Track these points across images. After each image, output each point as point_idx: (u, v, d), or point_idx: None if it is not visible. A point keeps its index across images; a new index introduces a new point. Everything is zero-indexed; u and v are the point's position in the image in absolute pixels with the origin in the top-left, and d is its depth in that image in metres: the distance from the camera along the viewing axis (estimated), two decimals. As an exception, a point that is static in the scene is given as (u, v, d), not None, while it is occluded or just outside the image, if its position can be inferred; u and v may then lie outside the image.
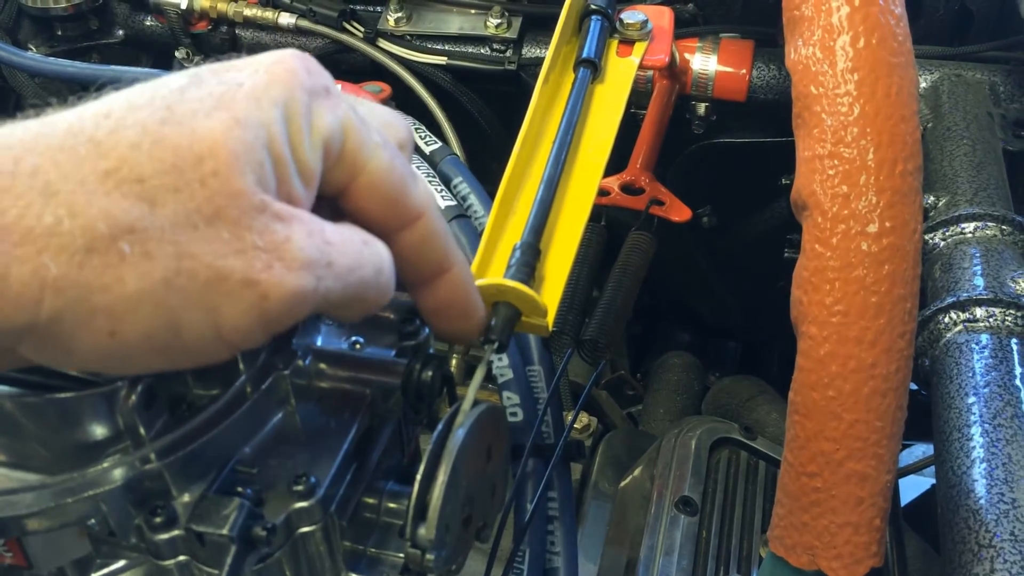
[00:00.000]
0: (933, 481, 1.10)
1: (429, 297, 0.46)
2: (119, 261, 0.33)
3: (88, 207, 0.33)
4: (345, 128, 0.40)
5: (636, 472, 0.91)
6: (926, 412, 0.67)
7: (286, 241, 0.36)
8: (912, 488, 1.13)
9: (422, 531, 0.44)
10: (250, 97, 0.36)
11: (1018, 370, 0.64)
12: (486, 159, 1.13)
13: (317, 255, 0.37)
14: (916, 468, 1.13)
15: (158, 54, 1.31)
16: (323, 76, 0.40)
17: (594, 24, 0.70)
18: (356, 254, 0.40)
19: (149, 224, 0.33)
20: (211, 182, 0.34)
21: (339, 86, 0.41)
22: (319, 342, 0.52)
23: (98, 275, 0.33)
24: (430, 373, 0.50)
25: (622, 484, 0.92)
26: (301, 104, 0.38)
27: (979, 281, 0.71)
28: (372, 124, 0.42)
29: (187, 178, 0.34)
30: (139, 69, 1.11)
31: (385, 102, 1.04)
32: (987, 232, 0.76)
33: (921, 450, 1.47)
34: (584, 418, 1.04)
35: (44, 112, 0.36)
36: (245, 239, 0.35)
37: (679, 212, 0.96)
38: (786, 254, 1.17)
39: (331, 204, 0.42)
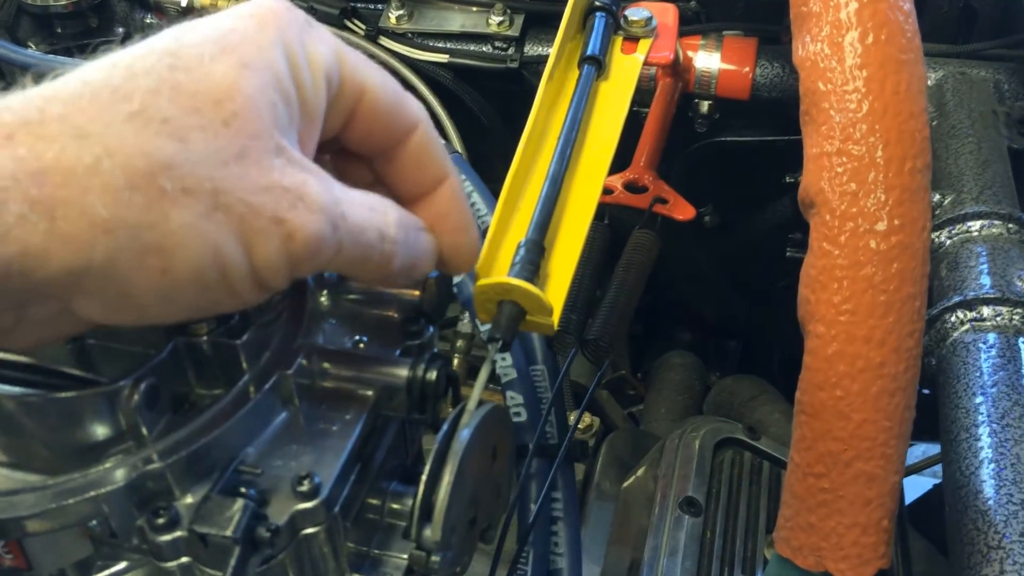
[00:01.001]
0: (935, 481, 1.09)
1: (429, 208, 0.47)
2: (161, 197, 0.34)
3: (123, 146, 0.33)
4: (339, 56, 0.41)
5: (639, 472, 0.90)
6: (929, 411, 0.67)
7: (304, 184, 0.37)
8: (913, 488, 1.13)
9: (427, 532, 0.43)
10: (249, 40, 0.37)
11: (1026, 369, 0.63)
12: (488, 157, 1.12)
13: (332, 203, 0.38)
14: (918, 468, 1.13)
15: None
16: (301, 12, 0.41)
17: (598, 21, 0.69)
18: (364, 215, 0.41)
19: (184, 160, 0.34)
20: (233, 123, 0.35)
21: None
22: (323, 342, 0.51)
23: (145, 212, 0.34)
24: (434, 373, 0.49)
25: (625, 484, 0.91)
26: (295, 42, 0.39)
27: (986, 280, 0.70)
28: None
29: (210, 118, 0.35)
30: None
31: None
32: (993, 230, 0.75)
33: (921, 449, 1.46)
34: (587, 418, 1.03)
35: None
36: (271, 178, 0.36)
37: (683, 210, 0.96)
38: (788, 253, 1.17)
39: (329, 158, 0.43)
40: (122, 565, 0.45)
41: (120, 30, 1.28)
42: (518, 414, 0.70)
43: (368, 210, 0.41)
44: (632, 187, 0.98)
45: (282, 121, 0.37)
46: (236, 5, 0.40)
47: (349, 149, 0.45)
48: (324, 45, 0.40)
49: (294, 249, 0.37)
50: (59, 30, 1.24)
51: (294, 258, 0.37)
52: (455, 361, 0.97)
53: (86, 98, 0.34)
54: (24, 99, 0.34)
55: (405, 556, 0.51)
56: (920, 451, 1.43)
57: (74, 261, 0.33)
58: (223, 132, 0.35)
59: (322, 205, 0.38)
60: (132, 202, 0.33)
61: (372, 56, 1.15)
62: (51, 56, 1.06)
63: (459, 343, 1.02)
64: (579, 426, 0.99)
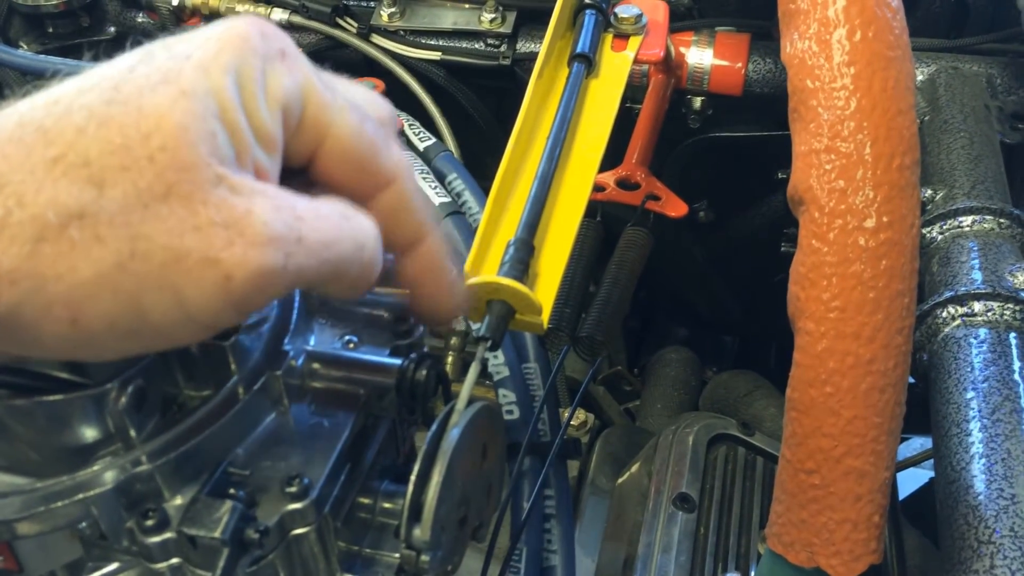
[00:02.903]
0: (931, 475, 1.10)
1: (406, 267, 0.45)
2: (70, 248, 0.32)
3: (36, 196, 0.32)
4: (305, 91, 0.38)
5: (634, 468, 0.90)
6: (925, 405, 0.67)
7: (247, 215, 0.34)
8: (910, 481, 1.13)
9: (417, 532, 0.43)
10: (198, 67, 0.35)
11: (1017, 364, 0.63)
12: (480, 155, 1.12)
13: (284, 230, 0.35)
14: (915, 461, 1.13)
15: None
16: (279, 39, 0.38)
17: (588, 18, 0.69)
18: (333, 228, 0.38)
19: (99, 208, 0.33)
20: (159, 157, 0.33)
21: (300, 50, 0.40)
22: (312, 342, 0.51)
23: (50, 264, 0.32)
24: (424, 372, 0.49)
25: (620, 481, 0.92)
26: (254, 69, 0.36)
27: (977, 275, 0.70)
28: (339, 90, 0.41)
29: (135, 156, 0.33)
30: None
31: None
32: (985, 226, 0.75)
33: (919, 443, 1.46)
34: (581, 414, 1.03)
35: (2, 105, 0.35)
36: (201, 215, 0.34)
37: (675, 207, 0.96)
38: (783, 248, 1.17)
39: (306, 178, 0.41)
40: (112, 567, 0.45)
41: (112, 29, 1.28)
42: (510, 412, 0.70)
43: (340, 219, 0.38)
44: (624, 184, 0.98)
45: (223, 150, 0.35)
46: (207, 27, 0.38)
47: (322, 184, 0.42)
48: (289, 77, 0.38)
49: (235, 288, 0.34)
50: (50, 30, 1.24)
51: (237, 297, 0.35)
52: (449, 359, 0.97)
53: (14, 143, 0.33)
54: None
55: (397, 555, 0.51)
56: (918, 444, 1.44)
57: None
58: (147, 169, 0.33)
59: (269, 235, 0.35)
60: (38, 253, 0.32)
61: (365, 53, 1.16)
62: (42, 56, 1.06)
63: (453, 341, 1.02)
64: (573, 423, 1.00)
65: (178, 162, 0.33)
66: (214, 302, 0.34)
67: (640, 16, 0.72)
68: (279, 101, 0.37)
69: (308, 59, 0.40)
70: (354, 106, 0.41)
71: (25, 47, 1.21)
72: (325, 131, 0.39)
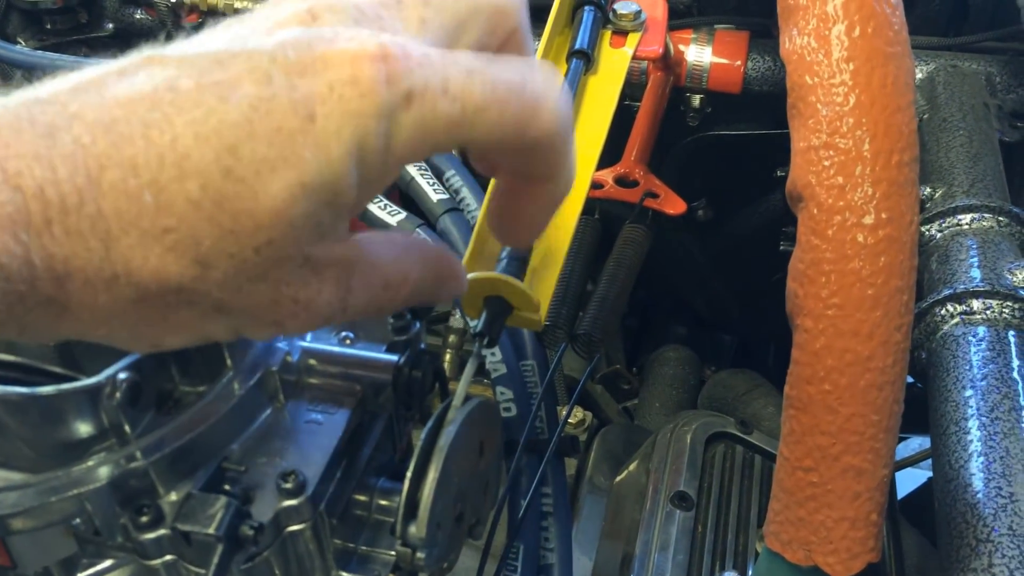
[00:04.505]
0: (931, 474, 1.10)
1: (530, 195, 0.44)
2: (164, 308, 0.34)
3: (144, 266, 0.33)
4: (432, 127, 0.35)
5: (631, 467, 0.90)
6: (924, 404, 0.67)
7: (317, 295, 0.37)
8: (909, 481, 1.13)
9: (412, 529, 0.43)
10: (319, 148, 0.33)
11: (1016, 363, 0.63)
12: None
13: (338, 305, 0.38)
14: (913, 461, 1.13)
15: (149, 48, 1.30)
16: (407, 74, 0.34)
17: (587, 15, 0.69)
18: (368, 302, 0.40)
19: (199, 285, 0.34)
20: (265, 251, 0.34)
21: (432, 70, 0.35)
22: (308, 338, 0.51)
23: (143, 318, 0.34)
24: (421, 368, 0.49)
25: (617, 479, 0.91)
26: (378, 138, 0.34)
27: (976, 273, 0.70)
28: (467, 64, 0.36)
29: (243, 245, 0.33)
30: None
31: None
32: (984, 223, 0.75)
33: (918, 443, 1.46)
34: (579, 412, 1.03)
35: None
36: (281, 294, 0.36)
37: (674, 205, 0.96)
38: (782, 247, 1.17)
39: None
40: (107, 563, 0.45)
41: (110, 25, 1.28)
42: (508, 409, 0.70)
43: (381, 290, 0.40)
44: (623, 181, 0.98)
45: (324, 230, 0.36)
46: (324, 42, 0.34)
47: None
48: (416, 128, 0.35)
49: (283, 333, 0.38)
50: (48, 26, 1.24)
51: (303, 332, 0.40)
52: (447, 356, 0.97)
53: (128, 198, 0.32)
54: (67, 174, 0.31)
55: (394, 553, 0.51)
56: (917, 444, 1.43)
57: (67, 338, 0.35)
58: (251, 259, 0.34)
59: (326, 312, 0.38)
60: (135, 311, 0.34)
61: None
62: (40, 52, 1.06)
63: (451, 338, 1.02)
64: (571, 421, 0.99)
65: (279, 253, 0.34)
66: (264, 338, 0.40)
67: (639, 13, 0.71)
68: (400, 159, 0.36)
69: (440, 57, 0.36)
70: (484, 83, 0.36)
71: (23, 43, 1.21)
72: (468, 132, 0.37)
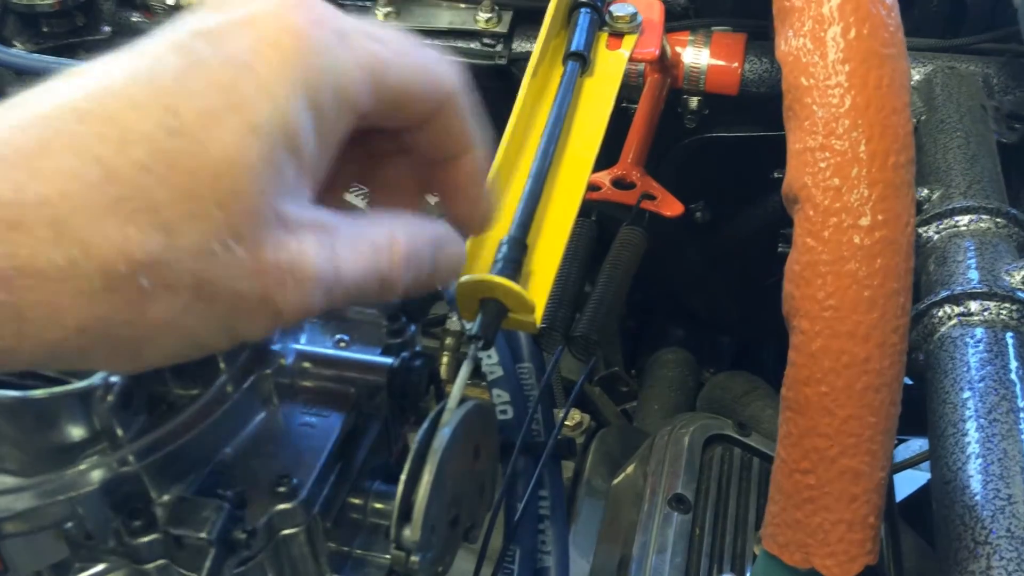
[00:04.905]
0: (929, 476, 1.09)
1: (451, 175, 0.45)
2: (139, 296, 0.32)
3: (103, 243, 0.31)
4: (374, 73, 0.37)
5: (629, 469, 0.90)
6: (921, 406, 0.66)
7: (299, 255, 0.35)
8: (908, 483, 1.13)
9: (407, 533, 0.43)
10: (263, 91, 0.33)
11: (1013, 364, 0.63)
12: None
13: (328, 268, 0.36)
14: (913, 463, 1.12)
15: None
16: (329, 17, 0.36)
17: (583, 17, 0.69)
18: (363, 262, 0.38)
19: (168, 256, 0.32)
20: (229, 203, 0.33)
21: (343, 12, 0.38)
22: (303, 341, 0.51)
23: (118, 312, 0.32)
24: (416, 371, 0.49)
25: (615, 481, 0.91)
26: (322, 75, 0.35)
27: (973, 275, 0.70)
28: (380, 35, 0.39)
29: (204, 203, 0.32)
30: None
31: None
32: (981, 225, 0.75)
33: (918, 444, 1.46)
34: (577, 415, 1.03)
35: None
36: (261, 259, 0.34)
37: (671, 207, 0.96)
38: (780, 249, 1.16)
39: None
40: (100, 567, 0.45)
41: (107, 29, 1.27)
42: (504, 412, 0.70)
43: (371, 252, 0.38)
44: (620, 183, 0.98)
45: (287, 182, 0.35)
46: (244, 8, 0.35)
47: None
48: (358, 68, 0.36)
49: (283, 321, 0.36)
50: (45, 29, 1.24)
51: (282, 325, 0.37)
52: (444, 359, 0.96)
53: (71, 177, 0.31)
54: (7, 161, 0.30)
55: (388, 556, 0.51)
56: (917, 446, 1.43)
57: (42, 356, 0.32)
58: (216, 216, 0.32)
59: (315, 275, 0.35)
60: (107, 302, 0.32)
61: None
62: (37, 56, 1.06)
63: (448, 341, 1.02)
64: (569, 423, 0.99)
65: (246, 207, 0.33)
66: (262, 331, 0.36)
67: (635, 15, 0.71)
68: (351, 103, 0.36)
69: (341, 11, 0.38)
70: (408, 44, 0.40)
71: (20, 46, 1.21)
72: (397, 96, 0.39)
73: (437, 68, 0.42)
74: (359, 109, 0.37)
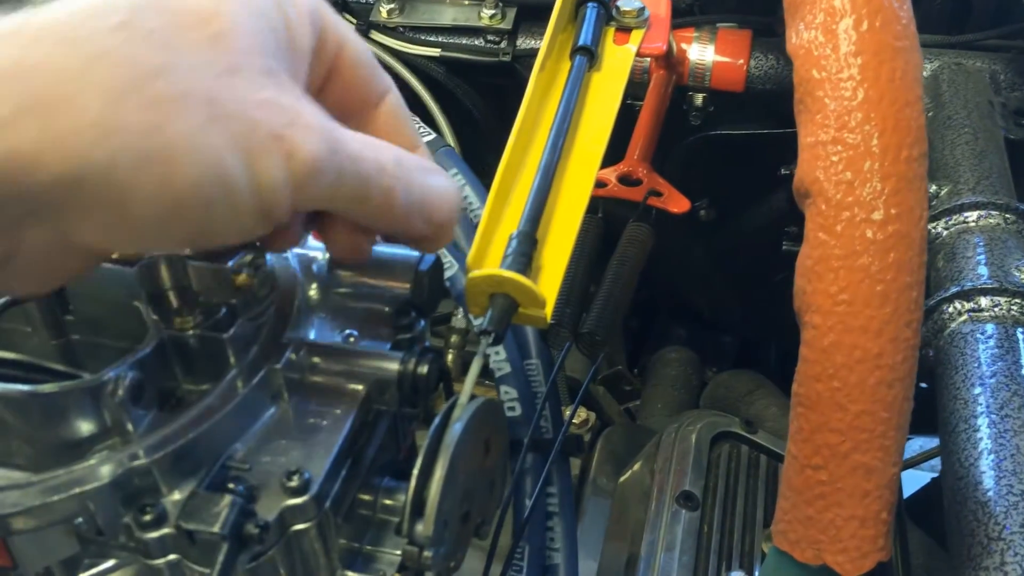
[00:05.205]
0: (932, 475, 1.09)
1: (378, 119, 0.47)
2: (158, 102, 0.33)
3: (112, 51, 0.33)
4: (320, 6, 0.42)
5: (636, 467, 0.90)
6: (923, 404, 0.66)
7: (298, 105, 0.37)
8: (910, 482, 1.12)
9: (420, 527, 0.42)
10: None
11: (1024, 360, 0.63)
12: (480, 152, 1.11)
13: (327, 127, 0.38)
14: (915, 462, 1.12)
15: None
16: None
17: (590, 11, 0.68)
18: (358, 145, 0.40)
19: (175, 67, 0.34)
20: (220, 41, 0.35)
21: None
22: (312, 335, 0.50)
23: (139, 118, 0.33)
24: (426, 366, 0.49)
25: (621, 479, 0.91)
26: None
27: (983, 270, 0.69)
28: None
29: (196, 35, 0.35)
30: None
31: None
32: (990, 221, 0.75)
33: (918, 444, 1.46)
34: (583, 413, 1.03)
35: None
36: (266, 94, 0.36)
37: (678, 203, 0.95)
38: (784, 247, 1.16)
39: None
40: (109, 563, 0.45)
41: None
42: (512, 409, 0.70)
43: (362, 144, 0.41)
44: (626, 180, 0.98)
45: (269, 47, 0.37)
46: None
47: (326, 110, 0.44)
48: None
49: (296, 168, 0.36)
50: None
51: (296, 179, 0.37)
52: (449, 356, 0.96)
53: (68, 10, 0.33)
54: (9, 21, 0.33)
55: (398, 552, 0.50)
56: (917, 445, 1.43)
57: (69, 167, 0.32)
58: (211, 47, 0.35)
59: (319, 127, 0.37)
60: (129, 105, 0.32)
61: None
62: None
63: (453, 339, 1.01)
64: (575, 421, 0.99)
65: (237, 46, 0.36)
66: (279, 177, 0.36)
67: (642, 9, 0.71)
68: (306, 10, 0.40)
69: None
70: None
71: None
72: (342, 40, 0.43)
73: (375, 60, 0.46)
74: (315, 28, 0.41)
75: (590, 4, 0.69)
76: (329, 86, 0.44)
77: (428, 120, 1.08)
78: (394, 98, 0.47)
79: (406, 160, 0.43)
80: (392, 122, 0.47)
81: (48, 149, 0.31)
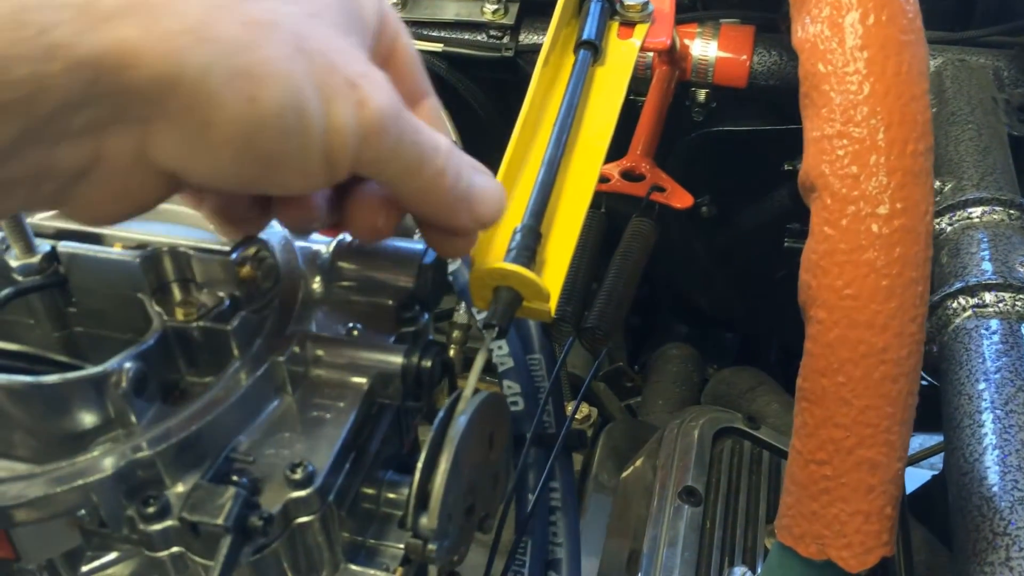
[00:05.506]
0: (932, 472, 1.09)
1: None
2: (252, 21, 0.34)
3: None
4: None
5: (638, 463, 0.89)
6: (923, 401, 0.66)
7: (371, 70, 0.38)
8: (912, 479, 1.12)
9: (424, 520, 0.42)
10: None
11: (1029, 355, 0.62)
12: (483, 147, 1.10)
13: (394, 92, 0.39)
14: (916, 459, 1.12)
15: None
16: None
17: (594, 6, 0.68)
18: (419, 121, 0.41)
19: None
20: None
21: None
22: (316, 328, 0.50)
23: (234, 32, 0.34)
24: (430, 359, 0.48)
25: (624, 475, 0.91)
26: None
27: (987, 266, 0.69)
28: None
29: None
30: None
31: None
32: (994, 216, 0.74)
33: (919, 441, 1.46)
34: (585, 408, 1.03)
35: None
36: (340, 43, 0.38)
37: (680, 198, 0.95)
38: (787, 243, 1.16)
39: None
40: (112, 555, 0.45)
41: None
42: (515, 403, 0.70)
43: (421, 121, 0.42)
44: (629, 175, 0.97)
45: (344, 11, 0.39)
46: None
47: None
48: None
49: (364, 119, 0.37)
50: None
51: (363, 129, 0.37)
52: (451, 352, 0.96)
53: None
54: None
55: (402, 546, 0.50)
56: (917, 443, 1.43)
57: (166, 68, 0.32)
58: None
59: (388, 87, 0.38)
60: (224, 18, 0.33)
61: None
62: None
63: (455, 334, 1.01)
64: (577, 416, 0.99)
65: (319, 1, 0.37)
66: (349, 123, 0.37)
67: (646, 4, 0.71)
68: (375, 14, 0.42)
69: None
70: None
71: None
72: (398, 30, 0.44)
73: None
74: (378, 14, 0.42)
75: (594, -2, 0.68)
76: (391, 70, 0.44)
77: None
78: (434, 100, 0.48)
79: (458, 151, 0.44)
80: (432, 123, 0.46)
81: (148, 48, 0.32)
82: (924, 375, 0.65)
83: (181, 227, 0.49)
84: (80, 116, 0.33)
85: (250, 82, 0.34)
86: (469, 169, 0.45)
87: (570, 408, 0.82)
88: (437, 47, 1.16)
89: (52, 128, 0.32)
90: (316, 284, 0.52)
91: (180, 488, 0.42)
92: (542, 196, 0.55)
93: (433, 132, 0.42)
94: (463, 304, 0.98)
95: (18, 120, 0.31)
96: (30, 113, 0.31)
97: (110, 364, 0.41)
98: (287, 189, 0.39)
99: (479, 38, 1.17)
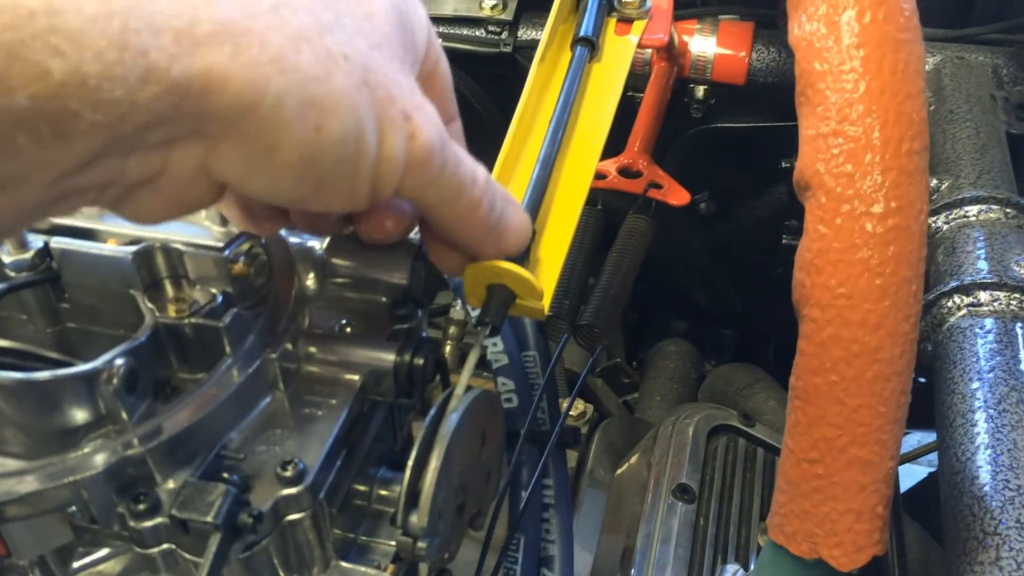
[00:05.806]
0: (930, 469, 1.09)
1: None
2: (327, 55, 0.36)
3: (293, 16, 0.35)
4: (430, 24, 0.46)
5: (633, 459, 0.89)
6: (922, 398, 0.66)
7: (423, 99, 0.40)
8: (907, 477, 1.13)
9: (414, 518, 0.42)
10: None
11: (1023, 355, 0.62)
12: (481, 143, 1.10)
13: (440, 123, 0.41)
14: (913, 456, 1.12)
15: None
16: None
17: (592, 2, 0.68)
18: (461, 151, 0.43)
19: (341, 27, 0.37)
20: (373, 19, 0.39)
21: None
22: (308, 325, 0.50)
23: (312, 64, 0.35)
24: (422, 357, 0.48)
25: (618, 472, 0.91)
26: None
27: (983, 265, 0.69)
28: None
29: (355, 8, 0.38)
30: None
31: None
32: (991, 215, 0.74)
33: (916, 438, 1.46)
34: (580, 405, 1.03)
35: None
36: (399, 75, 0.39)
37: (678, 195, 0.95)
38: (784, 240, 1.16)
39: None
40: (103, 552, 0.45)
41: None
42: (509, 400, 0.70)
43: (464, 152, 0.43)
44: (626, 172, 0.97)
45: (400, 39, 0.41)
46: None
47: None
48: (423, 9, 0.45)
49: (413, 150, 0.39)
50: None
51: (411, 160, 0.39)
52: (447, 348, 0.96)
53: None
54: None
55: (393, 543, 0.50)
56: (915, 440, 1.43)
57: (249, 95, 0.34)
58: (366, 23, 0.38)
59: (436, 119, 0.40)
60: (304, 50, 0.35)
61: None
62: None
63: (451, 330, 1.01)
64: (572, 413, 0.99)
65: (384, 29, 0.39)
66: (398, 153, 0.39)
67: (644, 0, 0.70)
68: (424, 23, 0.44)
69: None
70: None
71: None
72: (439, 55, 0.47)
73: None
74: (427, 39, 0.45)
75: (591, -6, 0.68)
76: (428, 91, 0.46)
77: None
78: (459, 125, 0.51)
79: (494, 182, 0.46)
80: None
81: (236, 74, 0.33)
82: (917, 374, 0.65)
83: (174, 223, 0.49)
84: (158, 132, 0.33)
85: (319, 112, 0.35)
86: (502, 200, 0.46)
87: (565, 405, 0.82)
88: (435, 42, 1.16)
89: (129, 142, 0.33)
90: (309, 281, 0.52)
91: (171, 485, 0.42)
92: (537, 193, 0.55)
93: (473, 163, 0.44)
94: (459, 300, 0.98)
95: (104, 136, 0.32)
96: (116, 130, 0.32)
97: (101, 361, 0.41)
98: (330, 207, 0.41)
99: (477, 33, 1.17)
